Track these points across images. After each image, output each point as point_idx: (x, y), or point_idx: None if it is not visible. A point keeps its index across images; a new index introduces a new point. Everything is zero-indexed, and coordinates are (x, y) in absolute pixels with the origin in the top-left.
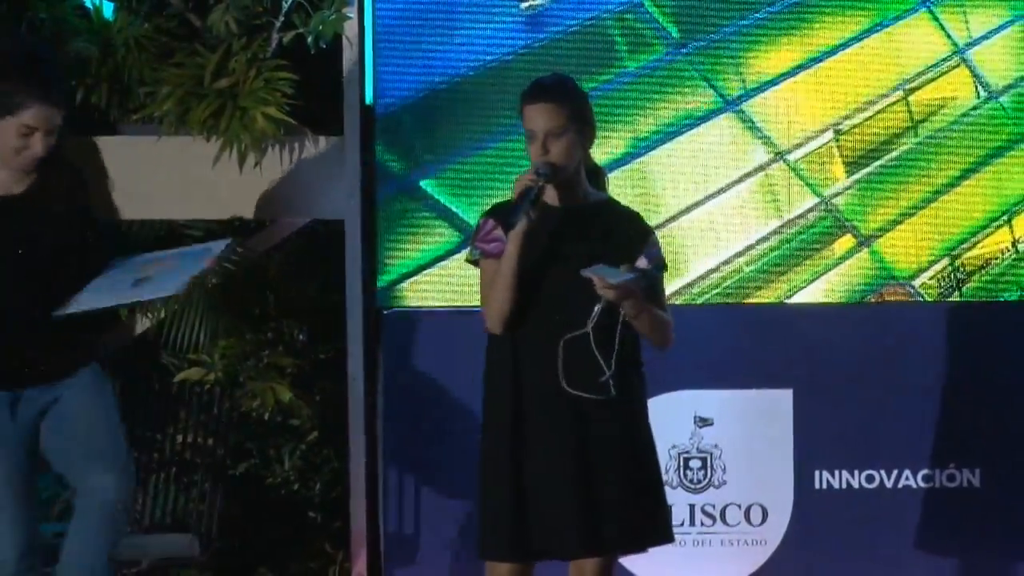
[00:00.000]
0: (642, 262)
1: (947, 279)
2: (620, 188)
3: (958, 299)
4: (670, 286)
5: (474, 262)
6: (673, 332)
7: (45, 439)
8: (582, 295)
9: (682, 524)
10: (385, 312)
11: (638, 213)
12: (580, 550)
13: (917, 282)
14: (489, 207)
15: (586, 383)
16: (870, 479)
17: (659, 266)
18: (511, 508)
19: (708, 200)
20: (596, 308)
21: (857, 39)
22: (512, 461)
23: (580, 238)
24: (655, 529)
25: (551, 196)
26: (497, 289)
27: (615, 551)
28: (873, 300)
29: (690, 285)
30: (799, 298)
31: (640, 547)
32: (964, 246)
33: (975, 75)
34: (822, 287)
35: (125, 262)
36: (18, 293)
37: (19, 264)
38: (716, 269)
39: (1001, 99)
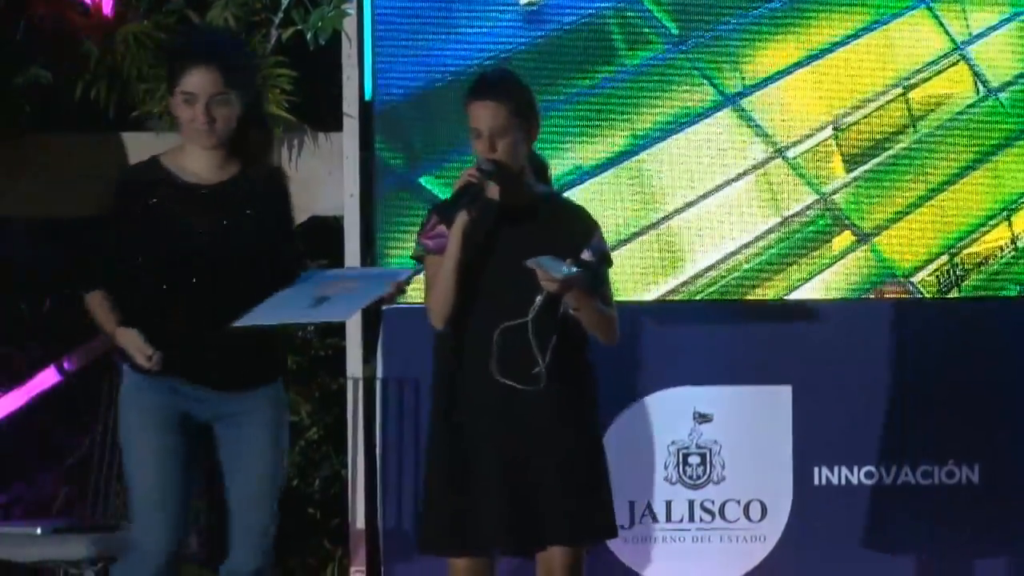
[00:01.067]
0: (586, 254)
1: (946, 276)
2: (618, 185)
3: (957, 296)
4: (669, 283)
5: (418, 258)
6: (618, 328)
7: (220, 449)
8: (524, 287)
9: (681, 520)
10: (384, 309)
11: (583, 207)
12: (511, 544)
13: (916, 279)
14: (435, 204)
15: (518, 373)
16: (869, 475)
17: (603, 259)
18: (447, 501)
19: (707, 197)
20: (537, 299)
21: (856, 36)
22: (449, 452)
23: (523, 232)
24: (592, 525)
25: (495, 191)
26: (439, 285)
27: (548, 545)
28: (872, 297)
29: (689, 282)
30: (798, 295)
31: (576, 542)
32: (963, 243)
33: (974, 72)
34: (821, 284)
35: (311, 275)
36: (204, 289)
37: (212, 255)
38: (715, 266)
39: (1000, 96)
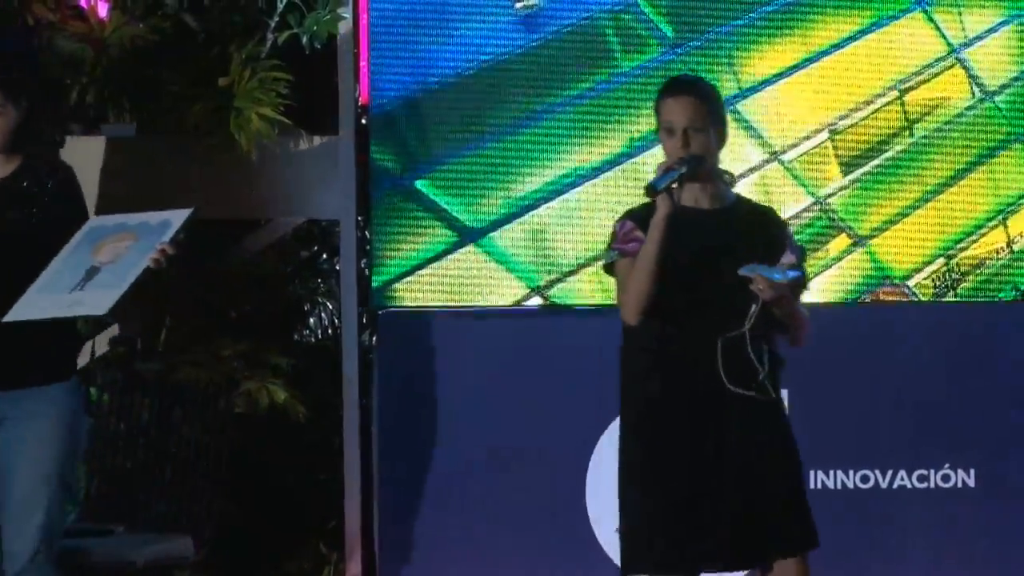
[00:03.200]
0: (788, 257)
1: (942, 279)
2: (616, 188)
3: (953, 299)
4: None
5: (609, 267)
6: (809, 330)
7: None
8: (733, 295)
9: None
10: (380, 312)
11: (771, 207)
12: (740, 558)
13: (912, 282)
14: (623, 213)
15: (746, 383)
16: (865, 479)
17: (802, 259)
18: (660, 517)
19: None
20: (753, 308)
21: (852, 39)
22: (670, 465)
23: (726, 237)
24: (804, 534)
25: (691, 198)
26: (637, 278)
27: (773, 558)
28: (868, 300)
29: None
30: None
31: (793, 552)
32: (959, 246)
33: (970, 75)
34: (817, 287)
35: (93, 228)
36: None
37: None
38: None
39: (996, 99)
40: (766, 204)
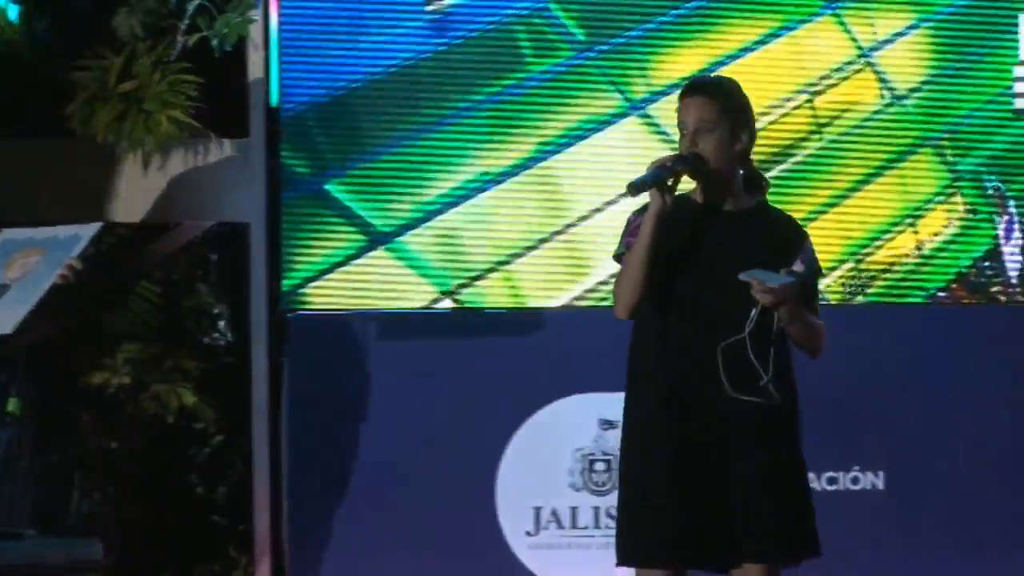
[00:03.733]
0: (797, 266)
1: (852, 282)
2: (525, 191)
3: (863, 302)
4: (575, 289)
5: (618, 258)
6: (825, 338)
7: None
8: (738, 299)
9: (587, 527)
10: (290, 315)
11: (792, 216)
12: (736, 558)
13: (822, 284)
14: (641, 207)
15: (747, 388)
16: None
17: (813, 270)
18: (660, 513)
19: (613, 203)
20: (753, 312)
21: (762, 43)
22: (662, 465)
23: (735, 241)
24: (803, 542)
25: (708, 197)
26: (628, 273)
27: (770, 561)
28: None
29: (596, 288)
30: None
31: (791, 559)
32: (869, 249)
33: (880, 78)
34: None
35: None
36: None
37: None
38: None
39: (906, 102)
40: (788, 214)
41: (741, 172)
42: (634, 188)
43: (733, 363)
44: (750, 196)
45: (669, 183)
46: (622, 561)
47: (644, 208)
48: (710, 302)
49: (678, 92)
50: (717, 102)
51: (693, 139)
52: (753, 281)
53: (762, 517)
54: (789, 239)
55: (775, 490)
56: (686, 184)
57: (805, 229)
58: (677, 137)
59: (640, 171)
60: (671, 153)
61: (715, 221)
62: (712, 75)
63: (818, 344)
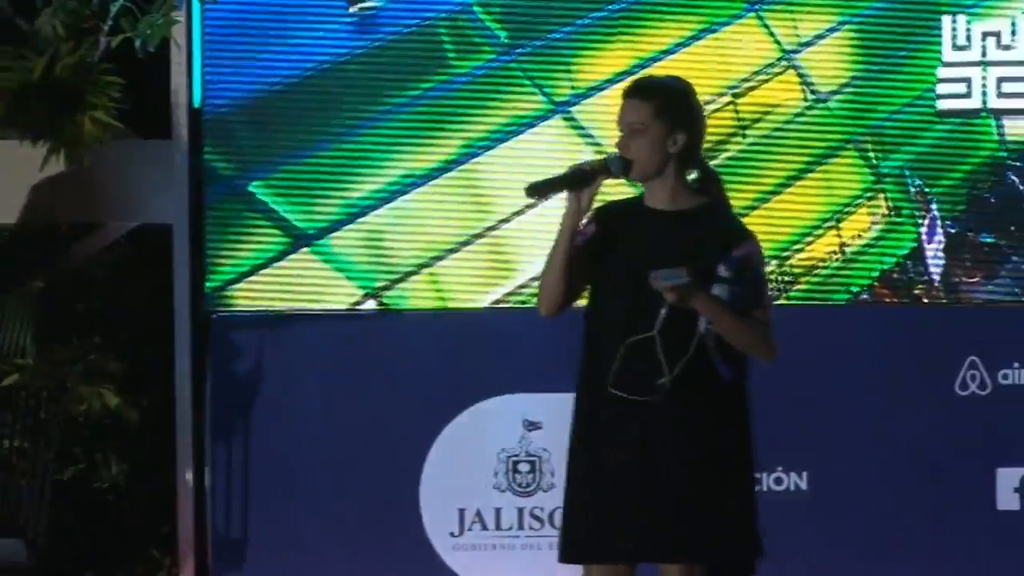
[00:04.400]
0: (721, 269)
1: (775, 282)
2: (449, 192)
3: (786, 303)
4: (499, 290)
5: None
6: (769, 342)
7: None
8: (657, 298)
9: (511, 528)
10: (213, 316)
11: (738, 220)
12: (636, 555)
13: None
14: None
15: (638, 386)
16: None
17: (742, 273)
18: (582, 510)
19: (537, 204)
20: (662, 311)
21: (685, 43)
22: (585, 463)
23: (661, 242)
24: (710, 544)
25: (649, 198)
26: (545, 273)
27: (661, 561)
28: None
29: (520, 288)
30: None
31: (689, 559)
32: (792, 249)
33: (803, 79)
34: None
35: None
36: None
37: None
38: None
39: (829, 103)
40: (735, 217)
41: (688, 173)
42: (534, 190)
43: (640, 361)
44: (697, 196)
45: (592, 185)
46: (560, 558)
47: (597, 209)
48: (630, 301)
49: (608, 92)
50: (650, 103)
51: (625, 141)
52: (652, 280)
53: (673, 518)
54: (721, 242)
55: (688, 492)
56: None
57: (750, 234)
58: (601, 137)
59: (561, 170)
60: (593, 158)
61: (645, 222)
62: (658, 76)
63: (757, 347)
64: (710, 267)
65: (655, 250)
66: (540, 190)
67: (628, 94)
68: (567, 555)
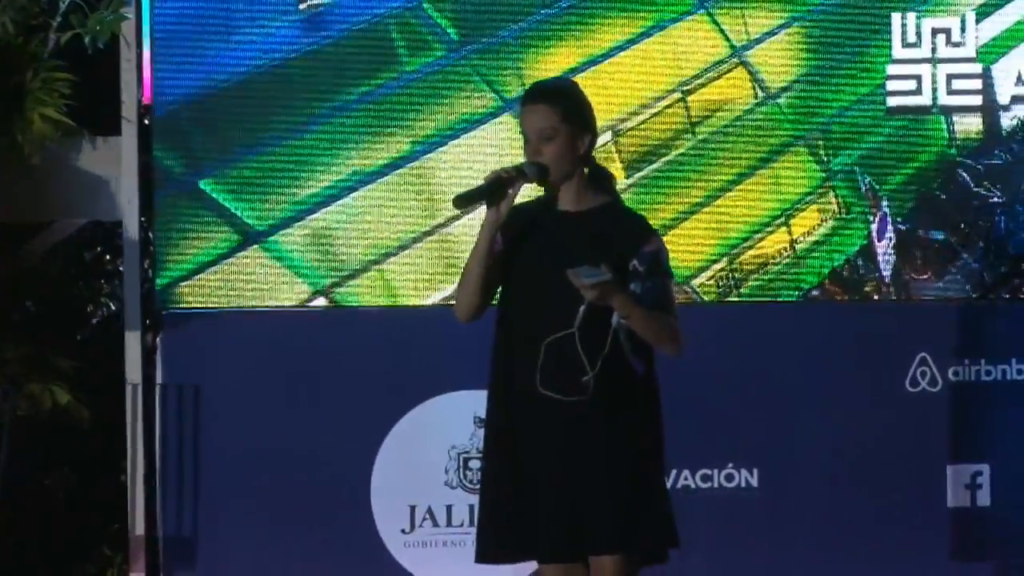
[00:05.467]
0: (634, 264)
1: (725, 280)
2: (399, 189)
3: (736, 300)
4: (449, 287)
5: None
6: (678, 338)
7: None
8: (571, 297)
9: (462, 524)
10: (164, 313)
11: (642, 217)
12: (558, 552)
13: (696, 282)
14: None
15: (563, 385)
16: None
17: (654, 269)
18: (501, 509)
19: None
20: (580, 309)
21: (635, 41)
22: (502, 462)
23: (574, 241)
24: (635, 535)
25: (554, 201)
26: (462, 280)
27: (593, 553)
28: None
29: None
30: None
31: (619, 550)
32: (742, 247)
33: (753, 76)
34: None
35: None
36: None
37: None
38: None
39: (778, 100)
40: (638, 214)
41: (586, 171)
42: (460, 201)
43: (561, 360)
44: (599, 195)
45: (509, 192)
46: (477, 559)
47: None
48: (545, 301)
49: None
50: (558, 108)
51: (536, 146)
52: (572, 278)
53: (598, 511)
54: (630, 239)
55: (611, 485)
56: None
57: (654, 230)
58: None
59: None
60: (509, 165)
61: (556, 222)
62: (551, 79)
63: (667, 342)
64: (621, 264)
65: (566, 249)
66: (464, 201)
67: (532, 100)
68: (487, 555)
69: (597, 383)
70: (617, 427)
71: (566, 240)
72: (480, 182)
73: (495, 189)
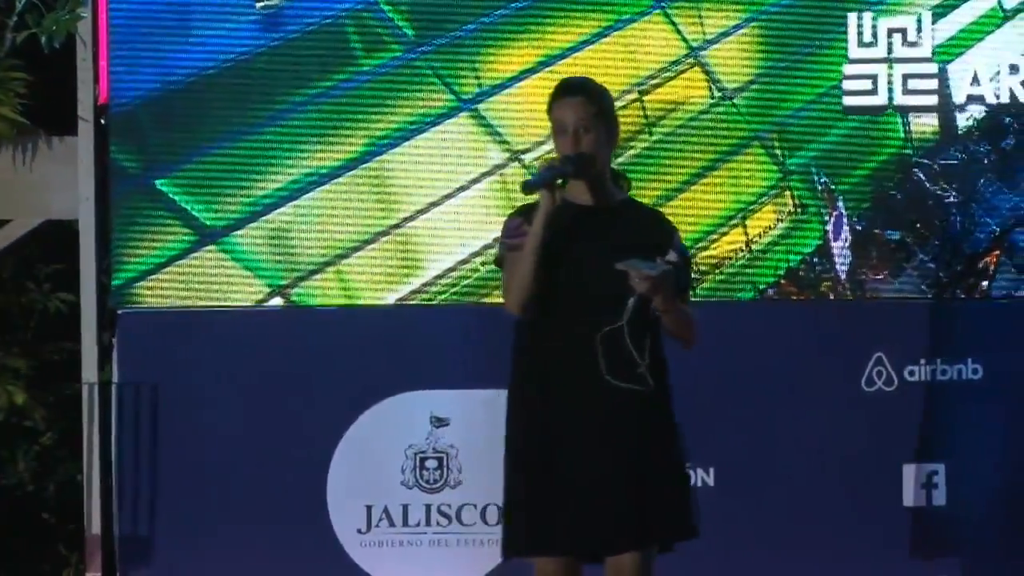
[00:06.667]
0: (671, 256)
1: None
2: (357, 188)
3: (692, 298)
4: (407, 286)
5: (498, 261)
6: (696, 332)
7: None
8: (615, 289)
9: (418, 524)
10: (120, 312)
11: (661, 211)
12: (622, 543)
13: None
14: (515, 208)
15: (625, 375)
16: None
17: (687, 260)
18: (546, 502)
19: (445, 200)
20: (630, 302)
21: (592, 40)
22: (548, 453)
23: (611, 234)
24: (685, 524)
25: (582, 195)
26: (520, 272)
27: (654, 544)
28: None
29: (427, 285)
30: None
31: (675, 538)
32: (699, 246)
33: (709, 76)
34: None
35: None
36: None
37: None
38: (453, 269)
39: (735, 100)
40: (657, 209)
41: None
42: (528, 188)
43: (611, 351)
44: (618, 192)
45: (559, 182)
46: (505, 554)
47: (521, 210)
48: (590, 294)
49: (514, 89)
50: (595, 102)
51: (575, 140)
52: (630, 270)
53: (654, 501)
54: (661, 231)
55: (654, 478)
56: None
57: (673, 224)
58: (507, 134)
59: (468, 168)
60: (561, 157)
61: (593, 217)
62: (577, 77)
63: (691, 334)
64: (652, 256)
65: (610, 243)
66: (534, 187)
67: (571, 93)
68: (517, 549)
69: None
70: (669, 417)
71: (605, 234)
72: (534, 171)
73: (557, 176)
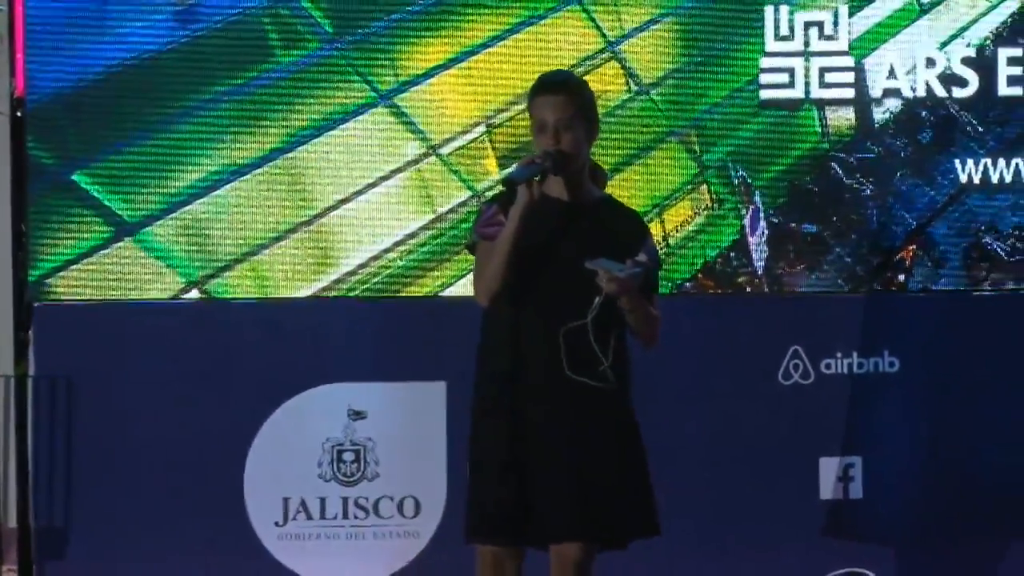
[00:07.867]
0: (641, 257)
1: None
2: (272, 182)
3: None
4: (323, 279)
5: (470, 247)
6: (658, 332)
7: None
8: (583, 287)
9: (336, 517)
10: (36, 305)
11: (636, 212)
12: (568, 533)
13: None
14: (491, 197)
15: (588, 372)
16: None
17: (656, 261)
18: (505, 490)
19: (361, 194)
20: (596, 300)
21: (510, 33)
22: (508, 444)
23: (584, 232)
24: (650, 522)
25: (558, 190)
26: (493, 263)
27: (604, 538)
28: None
29: (342, 279)
30: (451, 292)
31: (627, 536)
32: None
33: (626, 70)
34: (464, 285)
35: None
36: None
37: None
38: (368, 263)
39: (652, 94)
40: (632, 209)
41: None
42: (509, 183)
43: (574, 348)
44: (594, 188)
45: (537, 178)
46: (466, 539)
47: (497, 197)
48: (557, 290)
49: (432, 81)
50: (576, 99)
51: (555, 136)
52: (599, 269)
53: (608, 496)
54: (634, 232)
55: (616, 476)
56: None
57: (646, 224)
58: (425, 127)
59: (385, 161)
60: (541, 152)
61: (568, 213)
62: (558, 71)
63: (654, 334)
64: (628, 256)
65: (580, 240)
66: (515, 183)
67: (552, 90)
68: (479, 535)
69: (612, 372)
70: (629, 415)
71: (578, 231)
72: (512, 168)
73: (537, 172)
